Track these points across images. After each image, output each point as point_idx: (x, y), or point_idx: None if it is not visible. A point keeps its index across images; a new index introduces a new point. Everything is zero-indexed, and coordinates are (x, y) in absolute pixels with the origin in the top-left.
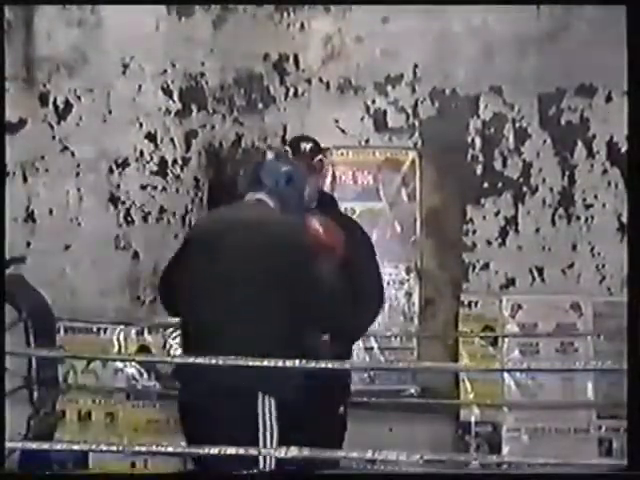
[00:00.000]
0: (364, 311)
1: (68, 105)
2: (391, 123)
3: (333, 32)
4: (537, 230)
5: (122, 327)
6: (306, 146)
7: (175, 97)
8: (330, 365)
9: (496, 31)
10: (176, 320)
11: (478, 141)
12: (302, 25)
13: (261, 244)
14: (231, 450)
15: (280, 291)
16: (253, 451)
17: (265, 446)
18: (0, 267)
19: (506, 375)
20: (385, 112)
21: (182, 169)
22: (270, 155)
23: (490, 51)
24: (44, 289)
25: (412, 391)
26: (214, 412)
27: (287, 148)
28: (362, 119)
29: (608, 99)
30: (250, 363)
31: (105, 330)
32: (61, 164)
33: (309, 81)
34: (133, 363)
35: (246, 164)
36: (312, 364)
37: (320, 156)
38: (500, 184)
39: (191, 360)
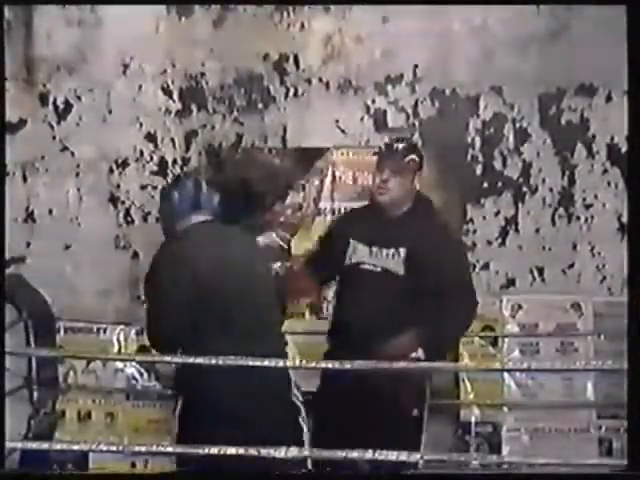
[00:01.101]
0: (457, 316)
1: (68, 105)
2: (391, 123)
3: (333, 32)
4: (537, 230)
5: (122, 327)
6: (398, 146)
7: (175, 97)
8: (330, 365)
9: (496, 31)
10: None
11: (478, 141)
12: (302, 25)
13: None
14: (231, 450)
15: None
16: (253, 451)
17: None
18: (0, 267)
19: (506, 375)
20: (385, 112)
21: (182, 169)
22: (185, 178)
23: (490, 51)
24: (44, 289)
25: None
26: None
27: (381, 147)
28: (362, 119)
29: (608, 99)
30: (250, 363)
31: (105, 330)
32: (61, 164)
33: (309, 81)
34: (133, 363)
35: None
36: (312, 364)
37: (412, 156)
38: (500, 184)
39: (191, 360)
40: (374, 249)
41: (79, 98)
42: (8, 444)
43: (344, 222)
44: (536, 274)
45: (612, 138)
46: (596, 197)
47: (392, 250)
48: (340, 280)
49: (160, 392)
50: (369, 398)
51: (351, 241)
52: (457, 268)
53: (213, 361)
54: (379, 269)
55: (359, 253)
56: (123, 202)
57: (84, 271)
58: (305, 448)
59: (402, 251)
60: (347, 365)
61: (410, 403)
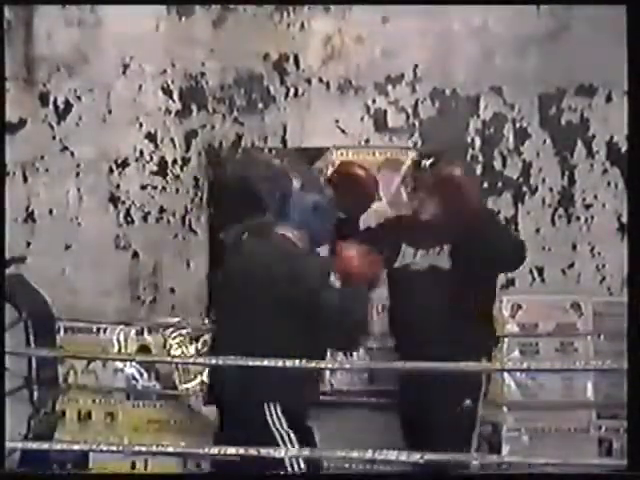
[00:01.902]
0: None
1: (68, 105)
2: (391, 123)
3: (333, 32)
4: (537, 230)
5: (122, 327)
6: (426, 163)
7: (175, 97)
8: (330, 365)
9: (496, 31)
10: (176, 320)
11: (478, 141)
12: (302, 25)
13: (276, 283)
14: (231, 450)
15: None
16: (253, 451)
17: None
18: (0, 267)
19: (506, 375)
20: (385, 112)
21: (182, 169)
22: (296, 184)
23: (490, 51)
24: (44, 289)
25: None
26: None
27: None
28: (362, 119)
29: (608, 99)
30: (250, 363)
31: (105, 330)
32: (61, 164)
33: (309, 81)
34: (133, 363)
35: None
36: (312, 364)
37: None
38: (500, 184)
39: (191, 361)
40: (421, 251)
41: (79, 98)
42: (8, 444)
43: (394, 226)
44: (536, 274)
45: (612, 138)
46: (596, 197)
47: (437, 248)
48: (391, 282)
49: (160, 392)
50: (422, 389)
51: (402, 245)
52: (499, 233)
53: (213, 361)
54: (426, 267)
55: (407, 256)
56: (123, 202)
57: (84, 271)
58: (305, 448)
59: (446, 247)
60: (346, 365)
61: (457, 397)
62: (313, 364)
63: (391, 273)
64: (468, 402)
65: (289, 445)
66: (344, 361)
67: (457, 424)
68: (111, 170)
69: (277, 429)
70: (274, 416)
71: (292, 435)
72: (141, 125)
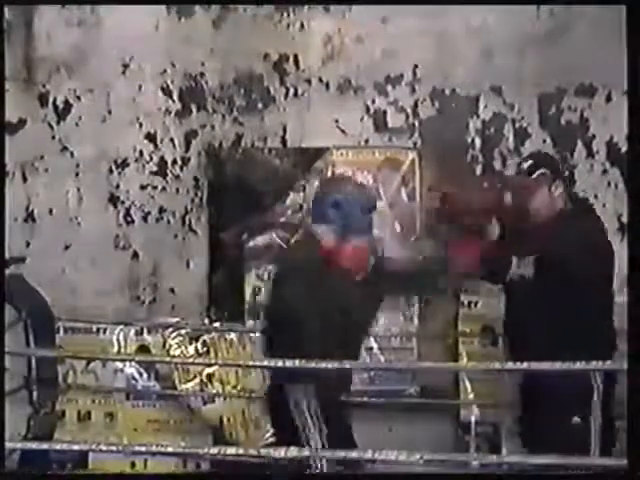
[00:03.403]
0: None
1: (68, 105)
2: (391, 123)
3: (333, 32)
4: None
5: (122, 327)
6: (524, 165)
7: (175, 97)
8: (330, 365)
9: (496, 31)
10: (176, 320)
11: (478, 141)
12: (302, 25)
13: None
14: (230, 450)
15: None
16: (252, 451)
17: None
18: (0, 267)
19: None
20: (385, 112)
21: (182, 169)
22: (316, 184)
23: (490, 51)
24: (44, 289)
25: (412, 391)
26: None
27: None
28: (362, 119)
29: (608, 99)
30: (250, 363)
31: (105, 330)
32: (61, 164)
33: (309, 81)
34: (132, 363)
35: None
36: (312, 364)
37: (540, 170)
38: (500, 184)
39: (191, 361)
40: (522, 260)
41: (79, 98)
42: (8, 444)
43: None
44: None
45: (612, 138)
46: (596, 197)
47: (530, 257)
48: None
49: (160, 392)
50: (532, 401)
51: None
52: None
53: (212, 361)
54: (516, 276)
55: (514, 268)
56: (123, 202)
57: (84, 271)
58: (305, 448)
59: (534, 255)
60: (346, 365)
61: (569, 410)
62: (312, 364)
63: (504, 285)
64: (576, 419)
65: None
66: (344, 362)
67: (559, 437)
68: (111, 170)
69: None
70: None
71: None
72: (141, 125)
